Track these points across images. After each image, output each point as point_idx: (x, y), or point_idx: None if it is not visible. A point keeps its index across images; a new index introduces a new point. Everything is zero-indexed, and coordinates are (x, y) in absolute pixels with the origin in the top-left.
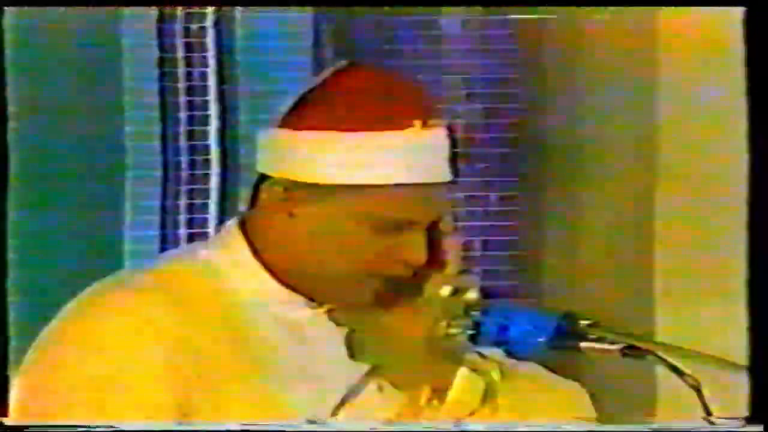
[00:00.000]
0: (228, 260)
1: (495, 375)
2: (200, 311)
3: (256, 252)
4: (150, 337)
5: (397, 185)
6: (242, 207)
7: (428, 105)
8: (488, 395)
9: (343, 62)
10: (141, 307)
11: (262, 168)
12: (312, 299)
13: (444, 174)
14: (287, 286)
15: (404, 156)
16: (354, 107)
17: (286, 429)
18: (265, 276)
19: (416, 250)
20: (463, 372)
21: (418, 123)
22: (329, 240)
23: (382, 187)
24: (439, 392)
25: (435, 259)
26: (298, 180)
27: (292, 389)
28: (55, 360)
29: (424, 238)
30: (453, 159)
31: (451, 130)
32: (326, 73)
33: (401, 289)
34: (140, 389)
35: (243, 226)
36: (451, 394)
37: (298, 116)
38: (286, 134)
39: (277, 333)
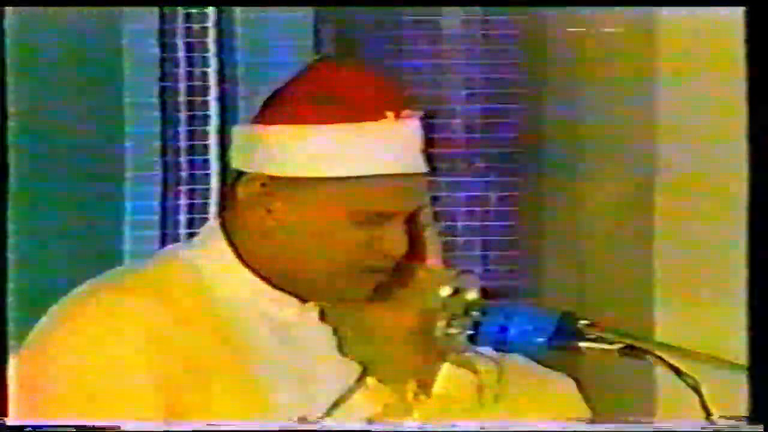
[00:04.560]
0: (210, 260)
1: (482, 369)
2: (185, 311)
3: (237, 251)
4: (135, 337)
5: (373, 177)
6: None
7: (400, 96)
8: (478, 390)
9: (316, 58)
10: (126, 307)
11: (237, 165)
12: (297, 296)
13: (420, 165)
14: (270, 283)
15: (379, 147)
16: (326, 100)
17: (281, 429)
18: (248, 274)
19: (396, 241)
20: (448, 366)
21: (391, 114)
22: (308, 234)
23: (358, 179)
24: (426, 387)
25: (415, 251)
26: (274, 175)
27: (280, 388)
28: (42, 360)
29: (403, 229)
30: (426, 149)
31: (426, 119)
32: (299, 69)
33: (384, 283)
34: (126, 389)
35: (224, 225)
36: (437, 388)
37: (272, 111)
38: (260, 130)
39: (262, 332)
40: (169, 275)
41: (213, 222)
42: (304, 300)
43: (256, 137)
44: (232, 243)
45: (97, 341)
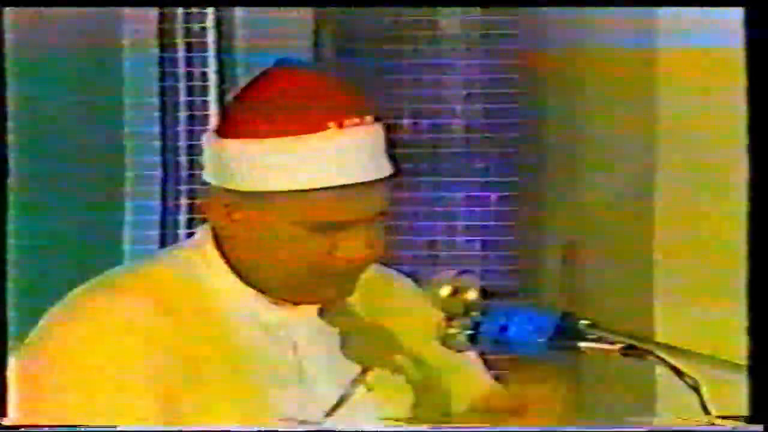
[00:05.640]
0: (202, 261)
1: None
2: (181, 312)
3: (224, 254)
4: (131, 338)
5: (320, 189)
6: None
7: (345, 105)
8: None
9: (271, 66)
10: (123, 309)
11: (205, 175)
12: (282, 299)
13: (373, 171)
14: (254, 287)
15: (321, 159)
16: (270, 114)
17: (280, 430)
18: (234, 278)
19: (355, 247)
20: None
21: (333, 124)
22: (268, 243)
23: (306, 192)
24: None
25: None
26: (230, 188)
27: (273, 389)
28: (40, 361)
29: (364, 234)
30: (389, 152)
31: (384, 124)
32: (252, 78)
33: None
34: (123, 390)
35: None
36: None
37: (225, 124)
38: (217, 143)
39: (257, 333)
40: (166, 276)
41: (207, 224)
42: (286, 301)
43: (214, 150)
44: (219, 245)
45: (93, 342)
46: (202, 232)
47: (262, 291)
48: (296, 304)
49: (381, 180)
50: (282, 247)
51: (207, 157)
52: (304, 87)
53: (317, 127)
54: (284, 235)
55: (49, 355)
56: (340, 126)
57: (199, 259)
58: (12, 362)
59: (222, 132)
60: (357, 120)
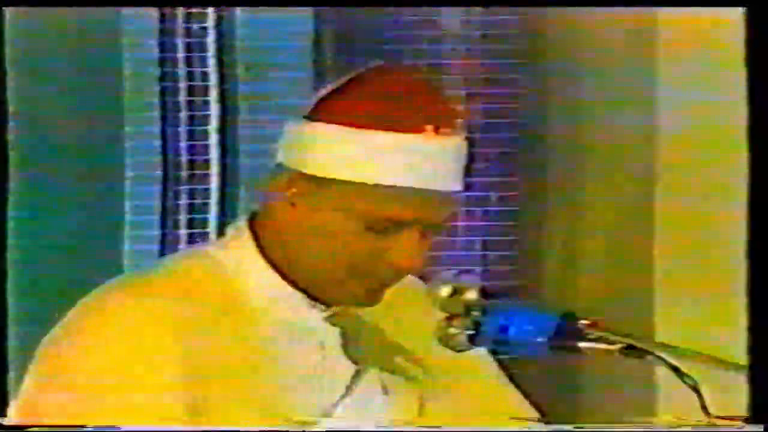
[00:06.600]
0: (236, 258)
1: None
2: (209, 311)
3: (262, 250)
4: (161, 334)
5: (393, 187)
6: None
7: (444, 113)
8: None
9: (376, 62)
10: (151, 307)
11: (280, 157)
12: (312, 297)
13: (446, 182)
14: (291, 283)
15: (408, 159)
16: (371, 106)
17: (284, 431)
18: (271, 273)
19: (404, 253)
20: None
21: (430, 128)
22: (322, 233)
23: (378, 187)
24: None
25: None
26: (304, 171)
27: (297, 389)
28: (67, 359)
29: (416, 244)
30: (464, 169)
31: (469, 142)
32: (357, 71)
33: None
34: (151, 389)
35: (252, 224)
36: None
37: (319, 109)
38: (302, 125)
39: (282, 332)
40: (195, 273)
41: (241, 220)
42: (319, 301)
43: (297, 132)
44: (257, 240)
45: (120, 341)
46: (237, 231)
47: (298, 288)
48: (328, 304)
49: (450, 193)
50: (332, 241)
51: (286, 140)
52: (408, 87)
53: (415, 128)
54: (339, 228)
55: (76, 351)
56: (436, 131)
57: (232, 256)
58: (36, 354)
59: (314, 116)
60: (450, 130)
